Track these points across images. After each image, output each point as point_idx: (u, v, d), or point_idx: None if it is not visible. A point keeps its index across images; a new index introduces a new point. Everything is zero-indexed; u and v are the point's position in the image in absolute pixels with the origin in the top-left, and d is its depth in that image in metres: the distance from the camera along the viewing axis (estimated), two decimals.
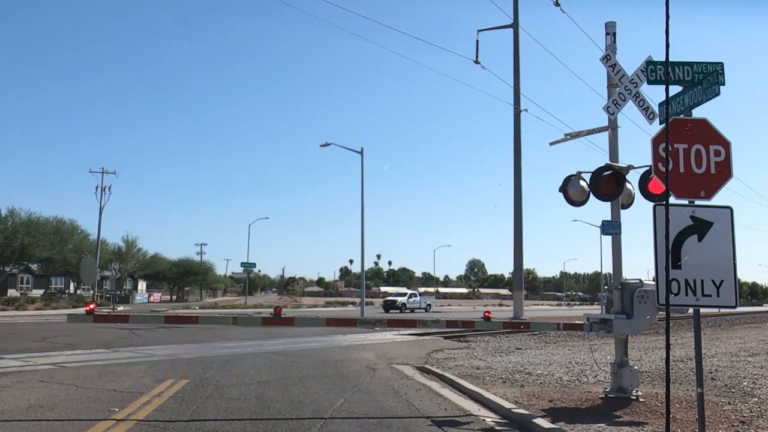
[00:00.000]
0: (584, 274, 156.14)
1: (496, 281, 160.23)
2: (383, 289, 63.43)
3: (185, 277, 74.25)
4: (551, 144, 10.30)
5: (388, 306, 46.86)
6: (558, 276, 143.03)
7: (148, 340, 16.42)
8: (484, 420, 6.89)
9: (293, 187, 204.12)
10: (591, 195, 8.16)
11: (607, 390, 8.01)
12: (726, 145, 5.62)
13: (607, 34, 8.51)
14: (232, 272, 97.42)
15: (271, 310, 8.23)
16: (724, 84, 5.76)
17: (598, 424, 6.27)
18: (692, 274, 5.26)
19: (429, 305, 51.04)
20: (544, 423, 6.27)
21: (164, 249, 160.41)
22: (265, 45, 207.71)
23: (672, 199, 5.34)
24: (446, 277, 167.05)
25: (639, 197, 8.33)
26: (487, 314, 8.84)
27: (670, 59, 4.43)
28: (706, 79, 5.82)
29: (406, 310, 46.90)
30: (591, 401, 7.69)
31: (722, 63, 5.88)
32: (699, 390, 5.18)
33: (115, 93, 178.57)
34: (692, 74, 5.94)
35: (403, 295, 51.42)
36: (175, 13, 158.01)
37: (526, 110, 28.90)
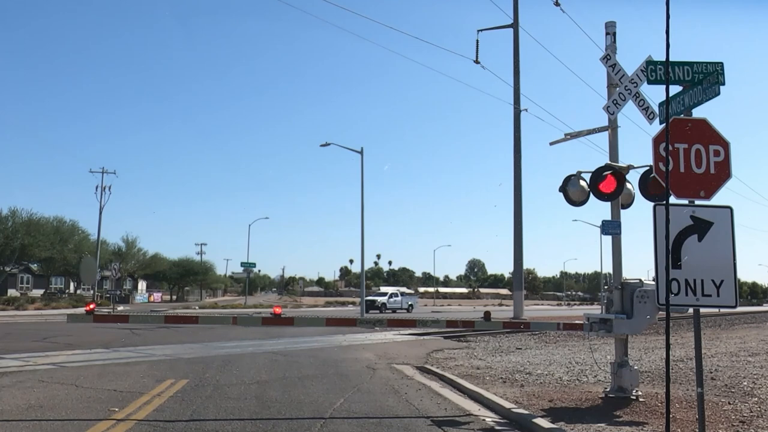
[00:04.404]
0: (584, 274, 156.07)
1: (496, 281, 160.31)
2: (383, 288, 62.89)
3: (185, 277, 74.28)
4: (551, 144, 10.30)
5: (368, 306, 44.60)
6: (558, 276, 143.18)
7: (148, 340, 16.42)
8: (484, 420, 6.89)
9: (293, 187, 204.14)
10: (591, 195, 8.15)
11: (607, 390, 8.01)
12: (725, 145, 5.63)
13: (607, 34, 8.50)
14: (232, 272, 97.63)
15: (271, 310, 8.22)
16: (724, 84, 5.76)
17: (598, 424, 6.27)
18: (692, 274, 5.27)
19: (411, 305, 49.75)
20: (544, 423, 6.27)
21: (164, 249, 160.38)
22: (265, 45, 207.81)
23: (672, 199, 5.34)
24: (446, 277, 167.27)
25: (639, 197, 8.33)
26: (487, 314, 8.83)
27: (670, 59, 4.43)
28: (706, 79, 5.82)
29: (387, 311, 45.75)
30: (591, 401, 7.69)
31: (722, 63, 5.88)
32: (699, 390, 5.18)
33: (115, 93, 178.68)
34: (692, 74, 5.95)
35: (384, 295, 49.78)
36: (175, 13, 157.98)
37: (526, 110, 28.87)
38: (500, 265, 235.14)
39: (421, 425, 6.50)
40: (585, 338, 16.84)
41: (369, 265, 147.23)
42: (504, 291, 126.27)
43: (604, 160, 8.48)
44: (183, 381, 9.16)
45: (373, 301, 46.36)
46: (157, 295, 70.82)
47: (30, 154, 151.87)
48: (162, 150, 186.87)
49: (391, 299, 48.33)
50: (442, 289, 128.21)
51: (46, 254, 45.19)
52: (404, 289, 65.66)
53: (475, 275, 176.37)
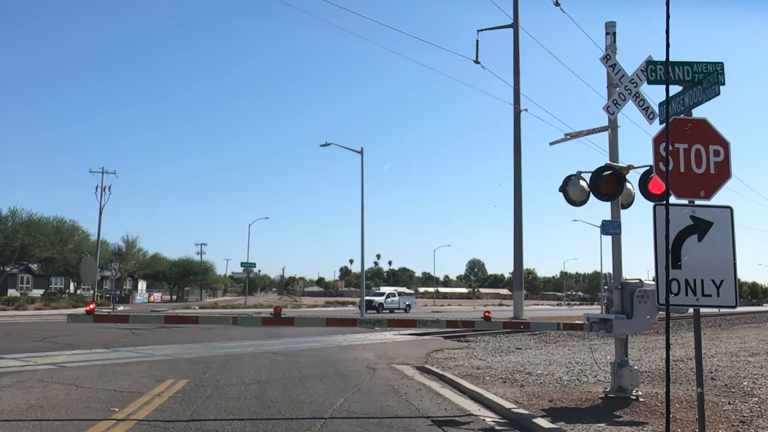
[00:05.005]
0: (584, 274, 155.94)
1: (496, 281, 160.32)
2: (382, 289, 62.90)
3: (185, 277, 74.27)
4: (551, 144, 10.30)
5: (365, 306, 45.67)
6: (558, 276, 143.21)
7: (148, 340, 16.42)
8: (484, 420, 6.89)
9: (293, 187, 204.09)
10: (591, 195, 8.16)
11: (607, 390, 8.01)
12: (725, 145, 5.63)
13: (607, 34, 8.51)
14: (232, 272, 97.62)
15: (271, 310, 8.22)
16: (724, 84, 5.76)
17: (598, 424, 6.27)
18: (692, 274, 5.26)
19: (409, 306, 49.83)
20: (544, 423, 6.27)
21: (164, 249, 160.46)
22: (265, 45, 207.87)
23: (672, 199, 5.34)
24: (446, 277, 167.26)
25: (639, 197, 8.33)
26: (487, 314, 8.83)
27: (670, 59, 4.42)
28: (706, 79, 5.82)
29: (384, 311, 45.60)
30: (591, 401, 7.69)
31: (722, 63, 5.88)
32: (699, 390, 5.18)
33: (115, 93, 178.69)
34: (692, 74, 5.94)
35: (381, 295, 49.64)
36: (175, 13, 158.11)
37: (526, 110, 28.89)
38: (500, 265, 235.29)
39: (421, 425, 6.50)
40: (585, 338, 16.84)
41: (369, 265, 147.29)
42: (504, 291, 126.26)
43: (604, 160, 8.48)
44: (183, 381, 9.16)
45: (371, 302, 46.01)
46: (157, 295, 70.80)
47: (30, 154, 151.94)
48: (162, 150, 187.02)
49: (389, 299, 48.28)
50: (442, 289, 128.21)
51: (46, 254, 45.17)
52: (402, 289, 65.57)
53: (475, 275, 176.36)
